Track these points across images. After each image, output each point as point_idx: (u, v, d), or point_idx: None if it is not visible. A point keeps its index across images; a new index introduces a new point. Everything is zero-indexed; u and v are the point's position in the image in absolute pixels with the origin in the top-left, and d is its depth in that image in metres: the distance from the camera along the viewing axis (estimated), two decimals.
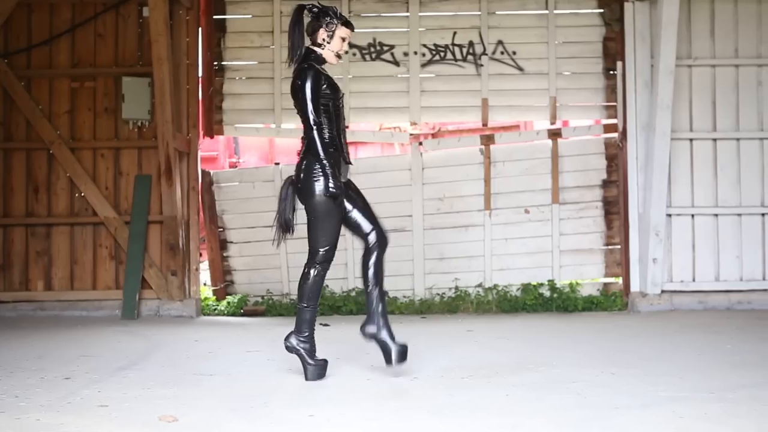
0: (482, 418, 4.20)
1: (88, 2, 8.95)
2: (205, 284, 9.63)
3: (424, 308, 8.90)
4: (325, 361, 5.29)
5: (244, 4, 9.24)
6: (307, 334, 5.23)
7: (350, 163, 5.31)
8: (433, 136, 10.56)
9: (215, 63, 9.22)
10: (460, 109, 9.23)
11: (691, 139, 8.90)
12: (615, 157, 9.08)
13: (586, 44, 9.12)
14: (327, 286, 9.01)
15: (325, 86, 5.12)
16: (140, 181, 8.81)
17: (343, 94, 5.33)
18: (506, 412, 4.31)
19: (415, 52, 9.13)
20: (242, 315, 8.96)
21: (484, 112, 9.11)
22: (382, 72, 9.19)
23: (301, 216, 5.30)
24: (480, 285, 9.03)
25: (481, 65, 9.12)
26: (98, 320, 8.34)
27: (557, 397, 4.64)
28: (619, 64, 8.95)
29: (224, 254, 9.32)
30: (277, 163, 9.54)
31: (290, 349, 5.25)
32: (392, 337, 5.24)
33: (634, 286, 8.79)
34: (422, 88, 9.15)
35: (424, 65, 9.15)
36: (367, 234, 5.30)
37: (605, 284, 9.15)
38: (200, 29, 9.08)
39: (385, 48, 9.18)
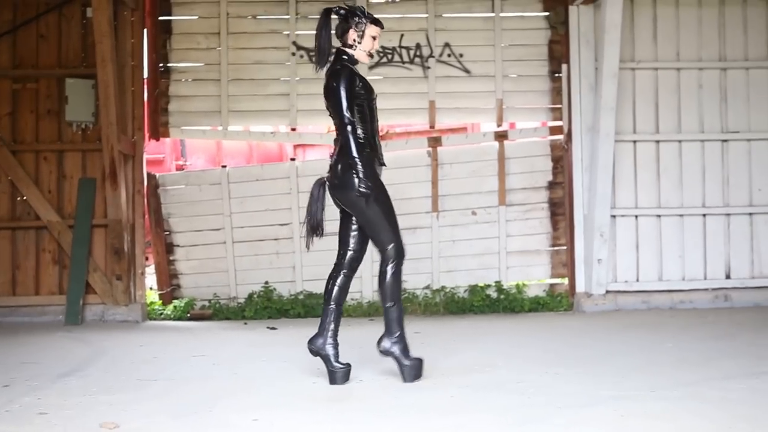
0: (427, 419, 4.22)
1: (30, 2, 8.78)
2: (151, 288, 9.51)
3: (372, 311, 8.90)
4: (421, 360, 5.20)
5: (191, 5, 9.15)
6: (398, 333, 5.15)
7: (384, 165, 5.28)
8: (382, 138, 10.55)
9: (161, 64, 9.12)
10: (407, 111, 9.25)
11: (634, 141, 9.03)
12: (560, 158, 9.17)
13: (531, 47, 9.19)
14: (274, 289, 9.01)
15: (359, 86, 5.13)
16: (84, 184, 8.68)
17: (377, 95, 5.31)
18: (451, 413, 4.34)
19: None
20: (189, 319, 8.87)
21: (432, 114, 9.14)
22: None
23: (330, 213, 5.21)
24: (428, 287, 9.06)
25: (428, 67, 9.15)
26: (41, 326, 8.19)
27: (502, 397, 4.68)
28: (564, 66, 9.04)
29: (170, 258, 9.22)
30: (224, 166, 9.46)
31: (385, 353, 5.15)
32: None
33: (580, 287, 8.89)
34: None
35: (371, 67, 9.14)
36: (349, 252, 5.29)
37: (551, 285, 9.23)
38: (145, 30, 8.98)
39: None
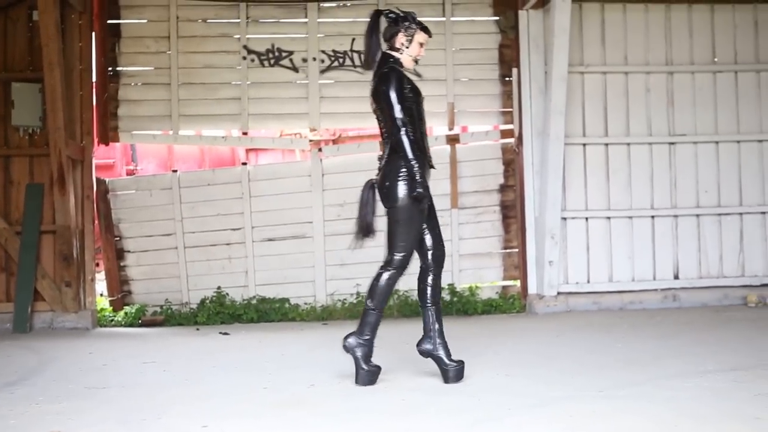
0: (378, 422, 4.23)
1: None
2: (101, 295, 9.39)
3: (325, 315, 8.89)
4: (378, 368, 5.21)
5: (140, 8, 9.06)
6: (368, 337, 5.19)
7: (434, 167, 5.27)
8: (334, 142, 10.56)
9: (110, 68, 9.02)
10: (359, 115, 9.22)
11: (584, 144, 9.14)
12: (512, 162, 9.24)
13: (482, 51, 9.26)
14: (227, 294, 8.96)
15: (408, 89, 5.14)
16: (32, 189, 8.54)
17: (424, 97, 5.29)
18: (402, 416, 4.35)
19: (314, 59, 9.12)
20: (140, 325, 8.78)
21: None
22: (281, 78, 9.14)
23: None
24: None
25: None
26: None
27: (453, 399, 4.71)
28: (514, 70, 9.12)
29: (121, 264, 9.12)
30: (175, 171, 9.38)
31: (347, 349, 5.18)
32: (449, 356, 5.20)
33: (532, 289, 8.97)
34: (321, 94, 9.14)
35: (323, 71, 9.15)
36: (429, 252, 5.31)
37: (504, 287, 9.30)
38: (94, 34, 8.87)
39: (284, 54, 9.14)
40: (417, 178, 4.98)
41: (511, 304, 9.07)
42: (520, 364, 5.80)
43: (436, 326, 5.24)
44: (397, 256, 5.20)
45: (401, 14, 5.26)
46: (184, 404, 4.74)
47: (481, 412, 4.38)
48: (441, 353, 5.20)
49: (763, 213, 9.26)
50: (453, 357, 5.22)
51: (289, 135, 10.57)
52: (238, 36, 9.11)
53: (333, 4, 9.20)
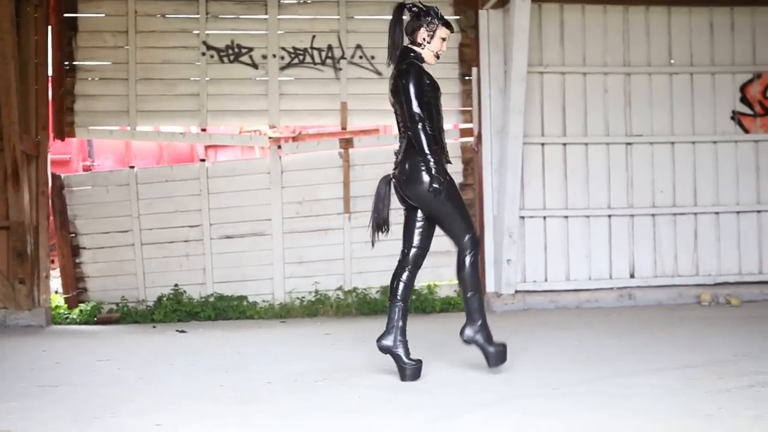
0: (333, 421, 4.22)
1: None
2: (56, 292, 9.28)
3: (284, 312, 8.86)
4: (504, 345, 5.25)
5: (97, 2, 8.95)
6: (480, 322, 5.19)
7: (450, 162, 5.29)
8: (294, 139, 10.52)
9: (66, 63, 8.90)
10: (319, 112, 9.25)
11: (542, 144, 9.21)
12: (471, 160, 9.28)
13: None
14: (184, 291, 8.89)
15: (427, 84, 5.14)
16: None
17: (441, 93, 5.30)
18: (358, 414, 4.34)
19: (274, 55, 9.08)
20: (96, 323, 8.68)
21: (343, 115, 9.15)
22: (240, 74, 9.09)
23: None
24: (340, 288, 9.06)
25: (340, 69, 9.16)
26: None
27: (410, 397, 4.71)
28: (474, 69, 9.16)
29: (76, 261, 9.01)
30: (132, 167, 9.29)
31: (469, 341, 5.20)
32: (407, 354, 5.22)
33: (490, 287, 9.01)
34: (281, 91, 9.11)
35: (283, 68, 9.12)
36: (413, 249, 5.34)
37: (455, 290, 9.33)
38: (50, 27, 8.75)
39: (244, 50, 9.09)
40: (432, 172, 5.00)
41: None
42: (476, 361, 5.81)
43: (400, 323, 5.25)
44: (466, 238, 5.20)
45: (424, 9, 5.26)
46: (137, 402, 4.69)
47: (438, 409, 4.39)
48: (400, 351, 5.22)
49: (717, 213, 9.41)
50: (411, 356, 5.22)
51: (249, 132, 10.52)
52: (197, 31, 9.04)
53: (293, 1, 9.18)
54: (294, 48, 9.13)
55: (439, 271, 9.27)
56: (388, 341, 5.25)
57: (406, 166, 5.13)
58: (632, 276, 9.29)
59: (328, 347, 6.75)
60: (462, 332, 5.24)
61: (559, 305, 9.00)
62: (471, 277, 5.21)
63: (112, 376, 5.61)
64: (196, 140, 10.00)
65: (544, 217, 9.19)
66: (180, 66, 9.05)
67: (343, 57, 9.16)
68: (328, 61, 9.17)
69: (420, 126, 5.02)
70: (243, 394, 4.89)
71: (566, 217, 9.23)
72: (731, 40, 9.52)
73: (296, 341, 7.12)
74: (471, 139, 9.26)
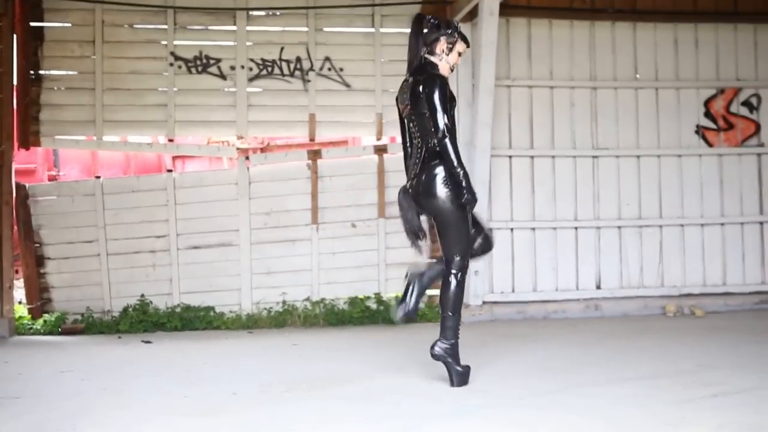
0: None
1: None
2: (20, 302, 9.17)
3: (251, 323, 8.81)
4: (469, 367, 5.30)
5: (64, 12, 8.87)
6: (453, 342, 5.22)
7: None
8: (262, 150, 10.52)
9: (32, 72, 8.81)
10: (287, 124, 9.22)
11: (510, 156, 9.26)
12: None
13: None
14: (151, 302, 8.82)
15: (450, 95, 5.18)
16: None
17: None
18: (322, 425, 4.34)
19: (242, 66, 9.05)
20: (60, 334, 8.57)
21: (312, 127, 9.15)
22: (208, 85, 9.05)
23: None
24: (308, 299, 9.03)
25: (309, 81, 9.15)
26: None
27: (374, 408, 4.72)
28: None
29: (41, 271, 8.90)
30: (98, 177, 9.21)
31: (437, 357, 5.22)
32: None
33: None
34: (249, 102, 9.08)
35: (251, 79, 9.09)
36: (476, 238, 5.38)
37: (430, 296, 9.27)
38: (15, 36, 8.67)
39: (212, 61, 9.06)
40: (464, 184, 5.04)
41: (437, 313, 9.03)
42: (442, 372, 5.83)
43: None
44: (457, 258, 5.22)
45: (444, 21, 5.38)
46: (100, 414, 4.65)
47: (401, 420, 4.40)
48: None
49: (682, 225, 9.51)
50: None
51: (217, 143, 10.49)
52: (165, 42, 8.99)
53: (262, 13, 9.17)
54: (262, 59, 9.11)
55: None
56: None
57: (423, 177, 5.17)
58: (598, 287, 9.35)
59: (295, 358, 6.73)
60: (433, 348, 5.25)
61: (527, 316, 9.04)
62: (455, 298, 5.23)
63: (75, 387, 5.55)
64: (163, 150, 9.96)
65: (512, 229, 9.24)
66: (148, 76, 8.99)
67: (311, 69, 9.16)
68: (297, 72, 9.16)
69: (449, 138, 5.06)
70: (208, 406, 4.87)
71: (533, 228, 9.28)
72: (695, 56, 9.64)
73: (263, 352, 7.09)
74: None
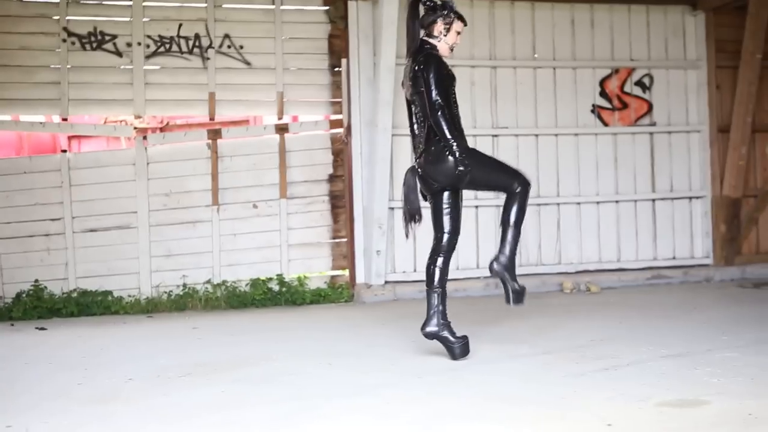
0: (195, 417, 4.16)
1: None
2: None
3: (150, 307, 8.65)
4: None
5: None
6: (513, 256, 5.45)
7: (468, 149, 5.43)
8: (161, 130, 10.28)
9: None
10: (186, 102, 9.05)
11: None
12: (341, 152, 9.29)
13: (312, 41, 9.24)
14: (45, 287, 8.57)
15: (446, 74, 5.36)
16: None
17: (456, 82, 5.52)
18: (220, 409, 4.30)
19: (139, 43, 8.82)
20: None
21: (211, 106, 9.00)
22: (103, 63, 8.79)
23: None
24: (209, 281, 8.92)
25: (208, 59, 8.98)
26: None
27: (274, 390, 4.70)
28: (343, 61, 9.16)
29: None
30: None
31: (496, 272, 5.45)
32: (453, 334, 5.41)
33: (360, 278, 9.06)
34: (147, 80, 8.87)
35: (148, 57, 8.87)
36: (445, 235, 5.64)
37: (332, 277, 9.34)
38: None
39: (107, 38, 8.80)
40: (457, 155, 5.23)
41: (339, 293, 9.11)
42: (343, 353, 5.86)
43: (440, 308, 5.46)
44: (517, 180, 5.47)
45: (439, 2, 5.49)
46: None
47: (300, 401, 4.39)
48: (446, 333, 5.41)
49: (578, 203, 9.75)
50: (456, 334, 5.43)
51: (114, 122, 10.21)
52: (57, 17, 8.69)
53: None
54: (160, 36, 8.89)
55: (310, 263, 9.25)
56: (432, 327, 5.41)
57: (432, 149, 5.35)
58: None
59: (194, 341, 6.65)
60: (492, 263, 5.49)
61: None
62: (520, 212, 5.51)
63: None
64: (57, 130, 9.62)
65: None
66: (39, 53, 8.67)
67: (211, 46, 8.99)
68: (196, 50, 8.98)
69: (440, 113, 5.25)
70: (101, 392, 4.77)
71: None
72: (591, 36, 9.86)
73: (162, 336, 6.99)
74: (341, 130, 9.26)
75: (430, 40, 5.49)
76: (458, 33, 5.56)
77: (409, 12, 5.50)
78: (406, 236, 5.72)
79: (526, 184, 5.51)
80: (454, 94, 5.48)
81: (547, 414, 4.02)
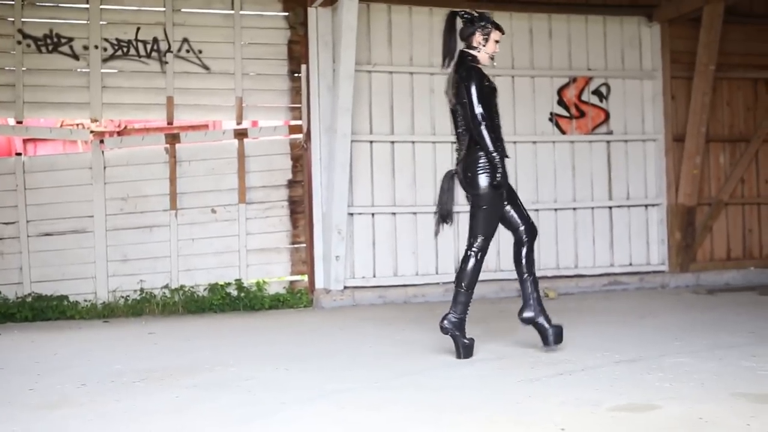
0: (147, 423, 4.12)
1: None
2: None
3: (107, 312, 8.57)
4: (473, 340, 5.64)
5: None
6: (462, 316, 5.56)
7: (509, 157, 5.64)
8: (119, 133, 10.19)
9: None
10: (144, 106, 8.98)
11: (371, 141, 9.33)
12: (300, 157, 9.28)
13: (271, 46, 9.23)
14: (0, 292, 8.46)
15: (487, 86, 5.52)
16: None
17: (498, 93, 5.68)
18: (174, 414, 4.27)
19: (96, 46, 8.75)
20: None
21: (170, 110, 8.94)
22: (60, 65, 8.71)
23: None
24: (166, 286, 8.86)
25: (166, 63, 8.94)
26: None
27: (228, 395, 4.67)
28: (303, 67, 9.16)
29: None
30: None
31: (446, 329, 5.55)
32: (549, 321, 5.71)
33: (319, 283, 9.06)
34: (104, 83, 8.79)
35: (105, 60, 8.80)
36: (519, 227, 5.72)
37: (291, 282, 9.32)
38: None
39: (63, 40, 8.71)
40: (498, 168, 5.42)
41: (298, 298, 9.10)
42: (300, 358, 5.84)
43: (535, 295, 5.68)
44: (479, 240, 5.63)
45: (476, 14, 5.70)
46: None
47: (255, 407, 4.37)
48: (541, 319, 5.68)
49: (537, 210, 9.78)
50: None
51: (71, 125, 10.09)
52: (12, 18, 8.59)
53: None
54: (117, 39, 8.83)
55: (269, 268, 9.23)
56: (529, 313, 5.68)
57: (467, 161, 5.55)
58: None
59: (150, 346, 6.60)
60: (442, 320, 5.58)
61: (387, 300, 9.14)
62: (471, 274, 5.62)
63: None
64: (11, 133, 9.50)
65: (373, 214, 9.32)
66: None
67: (169, 50, 8.95)
68: (154, 54, 8.93)
69: (483, 126, 5.41)
70: (53, 398, 4.71)
71: (394, 213, 9.39)
72: (549, 46, 9.96)
73: (118, 341, 6.92)
74: (300, 135, 9.25)
75: (471, 51, 5.68)
76: (497, 42, 5.73)
77: (446, 25, 5.68)
78: (435, 235, 5.96)
79: (484, 249, 5.66)
80: (496, 105, 5.64)
81: (501, 419, 4.05)
